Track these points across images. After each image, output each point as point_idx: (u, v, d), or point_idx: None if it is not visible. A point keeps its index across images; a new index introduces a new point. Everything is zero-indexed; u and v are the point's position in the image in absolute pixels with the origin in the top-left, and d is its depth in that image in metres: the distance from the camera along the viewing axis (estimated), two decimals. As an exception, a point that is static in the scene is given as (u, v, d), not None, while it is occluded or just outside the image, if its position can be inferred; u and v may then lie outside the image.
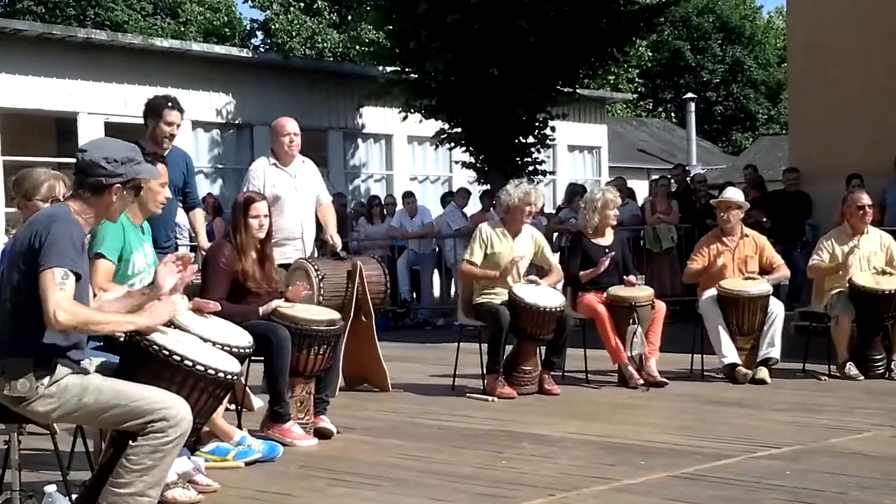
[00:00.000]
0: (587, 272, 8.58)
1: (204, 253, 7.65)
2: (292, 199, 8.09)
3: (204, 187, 16.01)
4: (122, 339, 4.53)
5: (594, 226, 8.80)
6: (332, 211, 8.51)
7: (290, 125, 8.20)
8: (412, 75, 17.39)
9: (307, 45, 35.42)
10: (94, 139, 4.47)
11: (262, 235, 6.50)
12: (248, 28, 42.41)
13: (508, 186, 8.38)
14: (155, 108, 7.45)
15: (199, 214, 8.09)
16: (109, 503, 4.19)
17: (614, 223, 8.82)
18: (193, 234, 8.67)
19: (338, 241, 8.19)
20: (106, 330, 4.35)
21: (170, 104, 7.48)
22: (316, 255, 8.52)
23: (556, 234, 14.42)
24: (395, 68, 17.82)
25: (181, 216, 8.76)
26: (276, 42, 36.24)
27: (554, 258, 8.59)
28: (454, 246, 14.83)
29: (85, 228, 4.31)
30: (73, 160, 4.43)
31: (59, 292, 4.04)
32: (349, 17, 34.89)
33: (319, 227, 8.42)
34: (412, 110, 17.64)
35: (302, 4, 37.47)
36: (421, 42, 16.00)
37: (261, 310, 6.41)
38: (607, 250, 8.67)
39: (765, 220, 12.54)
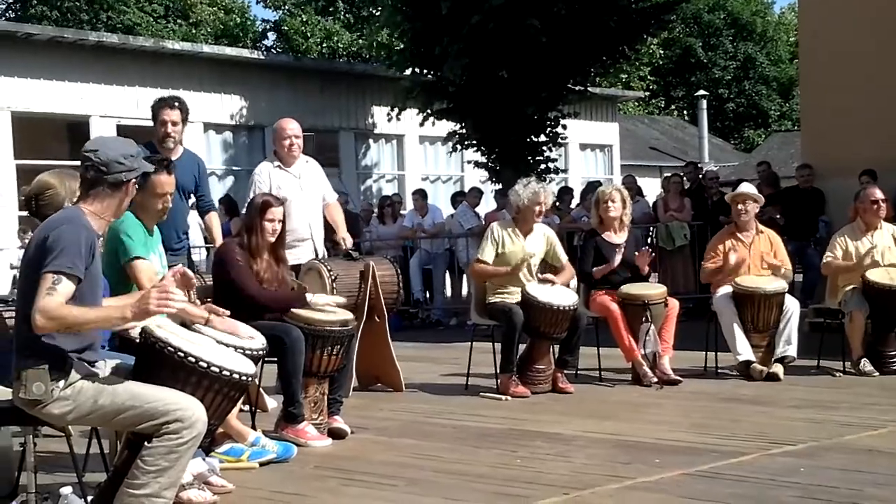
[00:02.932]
0: (599, 268, 8.58)
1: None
2: (298, 200, 8.09)
3: (216, 189, 16.07)
4: (137, 341, 4.55)
5: (597, 222, 8.83)
6: (339, 209, 8.53)
7: (291, 127, 8.20)
8: (429, 77, 17.41)
9: (322, 46, 35.43)
10: (96, 139, 4.50)
11: (272, 240, 6.51)
12: (260, 29, 42.45)
13: (517, 186, 8.38)
14: (152, 110, 7.57)
15: (215, 218, 8.09)
16: (125, 504, 4.21)
17: (614, 215, 8.76)
18: (208, 236, 8.68)
19: (349, 241, 8.20)
20: (90, 327, 4.26)
21: (162, 102, 7.53)
22: (327, 255, 8.53)
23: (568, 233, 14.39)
24: (411, 72, 17.83)
25: (194, 218, 8.78)
26: (292, 44, 36.24)
27: (565, 257, 8.58)
28: (466, 245, 14.81)
29: (100, 230, 4.33)
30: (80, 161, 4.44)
31: (46, 297, 4.04)
32: (361, 18, 34.85)
33: (329, 227, 8.44)
34: (428, 115, 17.67)
35: (320, 4, 37.44)
36: (442, 46, 15.98)
37: (316, 299, 6.59)
38: (620, 248, 8.67)
39: (778, 216, 12.51)
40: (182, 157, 7.55)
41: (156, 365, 4.38)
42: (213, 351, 4.60)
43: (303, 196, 8.16)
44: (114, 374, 4.36)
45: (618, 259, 8.51)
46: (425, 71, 17.53)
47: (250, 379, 4.61)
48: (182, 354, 4.35)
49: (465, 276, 14.95)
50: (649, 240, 14.17)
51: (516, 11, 15.38)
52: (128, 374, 4.39)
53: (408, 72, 18.05)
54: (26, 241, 4.90)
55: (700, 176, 15.62)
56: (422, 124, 18.18)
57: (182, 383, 4.34)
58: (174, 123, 7.49)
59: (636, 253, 8.70)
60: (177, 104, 7.53)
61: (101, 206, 4.35)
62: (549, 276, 8.32)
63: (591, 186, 15.94)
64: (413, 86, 17.72)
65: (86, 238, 4.20)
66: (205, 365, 4.37)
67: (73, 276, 4.11)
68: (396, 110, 18.37)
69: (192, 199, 7.92)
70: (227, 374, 4.43)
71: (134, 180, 4.42)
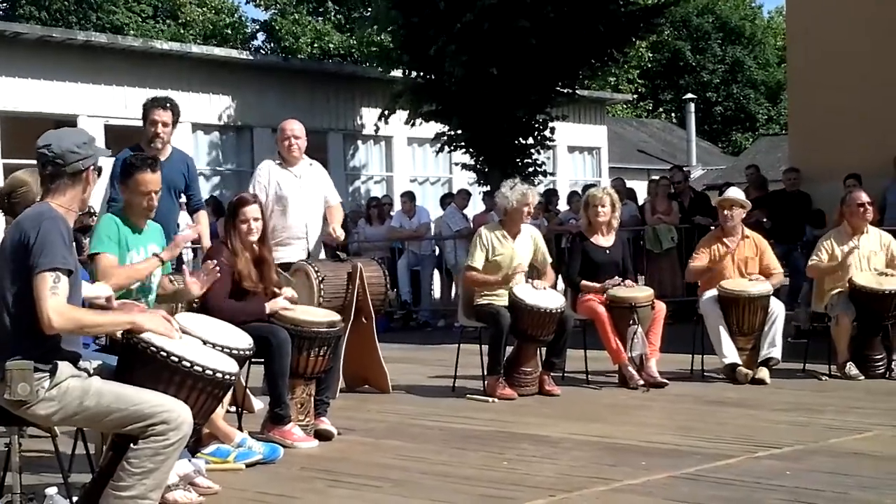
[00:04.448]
0: (589, 285, 8.56)
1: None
2: (297, 200, 8.13)
3: (204, 190, 16.05)
4: (121, 341, 4.54)
5: (586, 225, 8.85)
6: (340, 211, 8.54)
7: (291, 127, 8.24)
8: (418, 78, 17.41)
9: (313, 46, 35.41)
10: (46, 133, 4.42)
11: (252, 238, 6.47)
12: (250, 30, 42.39)
13: (504, 189, 8.38)
14: (144, 109, 7.54)
15: (203, 216, 8.10)
16: (110, 506, 4.20)
17: (603, 220, 8.79)
18: (196, 235, 8.68)
19: (340, 234, 8.19)
20: (100, 331, 4.39)
21: (154, 103, 7.50)
22: (323, 254, 8.54)
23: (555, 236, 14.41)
24: (401, 73, 17.82)
25: (184, 218, 8.76)
26: (284, 44, 36.23)
27: (549, 259, 8.60)
28: (454, 247, 14.84)
29: (70, 220, 4.32)
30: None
31: (52, 297, 4.06)
32: (352, 19, 34.82)
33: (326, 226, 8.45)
34: (417, 116, 17.67)
35: (311, 5, 37.40)
36: (438, 46, 15.98)
37: (267, 306, 6.43)
38: (607, 251, 8.69)
39: (765, 220, 12.54)
40: (171, 157, 7.55)
41: (139, 365, 4.37)
42: (197, 350, 4.59)
43: (302, 196, 8.18)
44: (98, 375, 4.35)
45: (611, 282, 8.51)
46: (414, 73, 17.52)
47: (233, 377, 4.60)
48: (165, 354, 4.34)
49: (452, 278, 14.97)
50: (641, 243, 14.18)
51: (507, 12, 15.39)
52: (111, 375, 4.38)
53: (398, 73, 18.06)
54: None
55: (675, 180, 15.53)
56: (412, 125, 18.17)
57: (166, 383, 4.33)
58: (165, 124, 7.47)
59: (620, 265, 8.70)
60: (169, 105, 7.51)
61: (65, 198, 4.33)
62: (537, 282, 8.30)
63: (586, 190, 15.94)
64: (403, 87, 17.72)
65: (66, 230, 4.20)
66: (188, 364, 4.37)
67: (66, 271, 4.13)
68: (385, 115, 18.35)
69: (183, 199, 7.92)
70: (211, 373, 4.43)
71: (92, 167, 4.38)
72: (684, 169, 16.66)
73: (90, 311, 4.37)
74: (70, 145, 4.33)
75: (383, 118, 18.35)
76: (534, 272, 8.54)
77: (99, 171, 4.49)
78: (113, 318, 4.40)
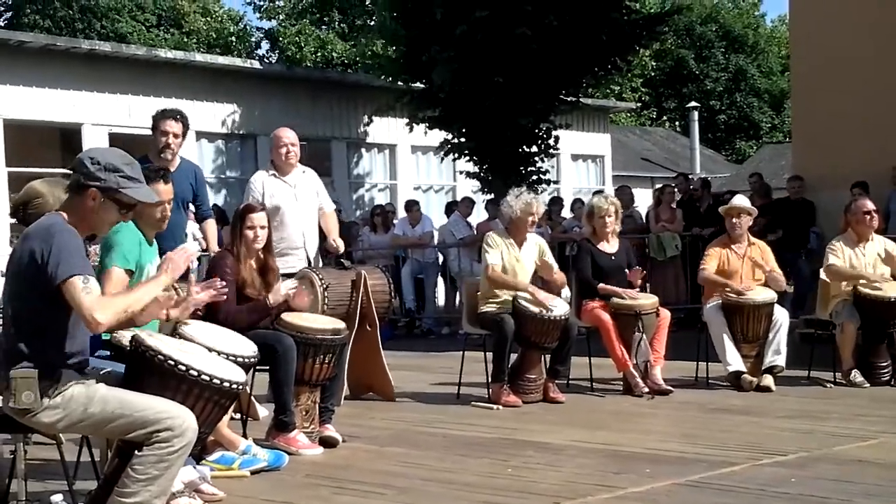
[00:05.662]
0: (606, 287, 8.52)
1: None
2: (292, 209, 8.13)
3: (208, 198, 16.08)
4: (127, 349, 4.55)
5: (590, 233, 8.88)
6: (334, 219, 8.55)
7: (288, 135, 8.23)
8: (419, 85, 17.45)
9: (316, 56, 35.48)
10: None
11: (258, 246, 6.49)
12: (254, 39, 42.46)
13: (509, 198, 8.38)
14: (154, 120, 7.56)
15: (211, 225, 8.13)
16: (115, 513, 4.20)
17: (609, 229, 8.78)
18: (204, 245, 8.70)
19: (340, 245, 8.20)
20: (141, 304, 4.34)
21: (165, 114, 7.53)
22: (321, 264, 8.55)
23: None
24: (401, 80, 17.87)
25: (192, 227, 8.78)
26: (287, 53, 36.30)
27: (556, 265, 8.59)
28: (458, 255, 14.83)
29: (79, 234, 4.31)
30: None
31: (87, 297, 4.06)
32: (355, 27, 34.90)
33: (323, 237, 8.45)
34: (418, 122, 17.70)
35: (315, 17, 37.45)
36: (431, 54, 16.03)
37: (270, 297, 6.42)
38: (612, 257, 8.69)
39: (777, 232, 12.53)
40: (179, 167, 7.57)
41: (146, 373, 4.38)
42: (203, 359, 4.60)
43: (297, 205, 8.19)
44: (104, 382, 4.35)
45: (636, 283, 8.55)
46: (415, 81, 17.57)
47: (240, 387, 4.61)
48: (172, 362, 4.35)
49: (456, 286, 14.96)
50: (647, 251, 14.17)
51: (504, 22, 15.41)
52: (118, 383, 4.38)
53: (399, 82, 18.10)
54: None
55: (691, 187, 15.62)
56: (411, 130, 18.20)
57: (172, 391, 4.33)
58: (175, 136, 7.51)
59: (627, 270, 8.68)
60: (179, 117, 7.56)
61: (70, 211, 4.29)
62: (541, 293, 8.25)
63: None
64: (404, 93, 17.76)
65: (78, 243, 4.19)
66: (195, 373, 4.37)
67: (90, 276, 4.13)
68: (371, 117, 18.40)
69: (192, 208, 7.94)
70: (217, 382, 4.43)
71: (95, 190, 4.24)
72: (698, 177, 16.63)
73: (121, 292, 4.33)
74: (85, 157, 4.30)
75: (376, 115, 18.40)
76: (538, 282, 8.55)
77: (123, 206, 4.35)
78: (146, 289, 4.39)
